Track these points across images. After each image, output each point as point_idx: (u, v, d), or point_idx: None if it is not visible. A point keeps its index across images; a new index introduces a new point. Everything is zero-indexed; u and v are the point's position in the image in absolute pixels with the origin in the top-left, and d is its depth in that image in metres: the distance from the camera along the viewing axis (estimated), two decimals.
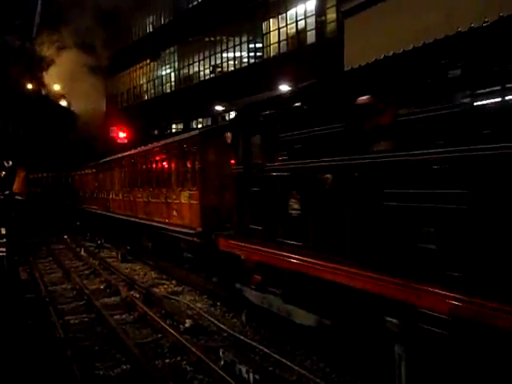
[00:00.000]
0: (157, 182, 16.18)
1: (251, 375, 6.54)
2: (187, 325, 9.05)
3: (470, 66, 4.70)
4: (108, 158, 23.30)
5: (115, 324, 9.39)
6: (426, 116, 5.09)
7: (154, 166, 16.70)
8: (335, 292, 6.39)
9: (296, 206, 7.27)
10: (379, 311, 5.57)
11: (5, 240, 13.34)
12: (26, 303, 11.06)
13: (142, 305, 10.61)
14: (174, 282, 13.52)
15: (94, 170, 26.15)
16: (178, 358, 7.77)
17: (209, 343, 8.38)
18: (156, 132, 41.26)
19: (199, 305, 11.00)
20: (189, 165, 13.51)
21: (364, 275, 5.71)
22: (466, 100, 4.65)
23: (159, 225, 15.46)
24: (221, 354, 7.31)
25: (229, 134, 10.06)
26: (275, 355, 7.64)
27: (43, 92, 41.65)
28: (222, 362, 7.14)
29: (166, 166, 15.48)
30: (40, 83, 40.63)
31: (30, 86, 41.46)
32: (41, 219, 29.95)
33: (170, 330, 8.80)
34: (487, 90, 4.52)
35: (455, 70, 4.77)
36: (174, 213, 14.30)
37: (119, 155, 21.36)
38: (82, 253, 19.02)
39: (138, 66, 41.30)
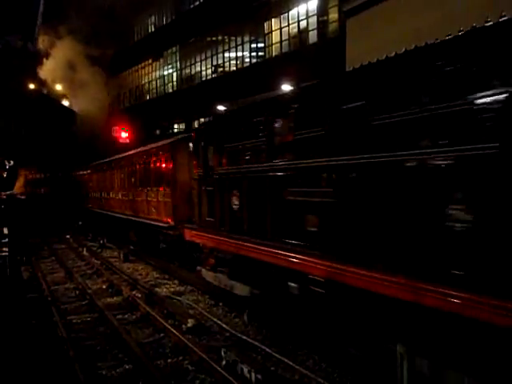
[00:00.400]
0: (140, 182, 18.11)
1: (253, 375, 6.55)
2: (189, 324, 9.06)
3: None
4: (101, 161, 24.68)
5: (117, 324, 9.40)
6: (306, 137, 7.25)
7: (137, 168, 18.56)
8: (261, 268, 8.45)
9: (236, 202, 9.35)
10: (286, 280, 7.67)
11: (7, 240, 13.39)
12: (28, 303, 11.10)
13: (144, 305, 10.63)
14: (176, 281, 13.53)
15: (89, 171, 27.40)
16: (180, 358, 7.79)
17: (211, 343, 8.39)
18: (158, 132, 41.31)
19: (201, 305, 11.01)
20: (163, 169, 15.43)
21: (277, 253, 7.73)
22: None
23: (142, 220, 17.33)
24: (223, 353, 7.33)
25: (191, 144, 12.14)
26: (277, 355, 7.66)
27: (45, 92, 41.71)
28: (224, 362, 7.15)
29: (147, 169, 17.38)
30: (42, 83, 40.68)
31: (32, 86, 41.50)
32: (43, 219, 30.02)
33: (172, 329, 8.82)
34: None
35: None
36: (153, 209, 16.29)
37: (109, 158, 22.97)
38: (85, 252, 19.06)
39: (140, 66, 41.32)
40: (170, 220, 14.47)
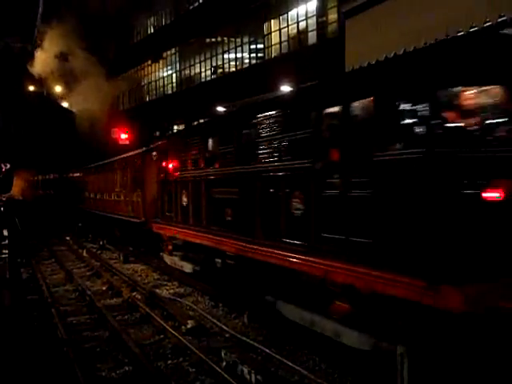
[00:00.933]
0: (120, 185, 20.69)
1: (253, 376, 6.55)
2: (189, 326, 9.06)
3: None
4: (92, 165, 26.64)
5: (117, 325, 9.40)
6: (224, 152, 10.11)
7: (118, 173, 21.14)
8: (200, 250, 11.29)
9: (185, 200, 12.05)
10: (214, 257, 10.45)
11: (7, 242, 13.39)
12: (28, 304, 11.10)
13: (144, 306, 10.63)
14: (175, 283, 13.53)
15: (83, 174, 28.96)
16: (180, 359, 7.78)
17: (211, 344, 8.39)
18: (158, 133, 41.31)
19: (201, 306, 11.01)
20: (136, 174, 18.25)
21: (208, 237, 10.50)
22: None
23: (123, 218, 19.71)
24: (223, 354, 7.33)
25: (154, 153, 15.52)
26: (277, 356, 7.66)
27: (44, 93, 41.71)
28: (224, 363, 7.15)
29: (125, 174, 20.00)
30: (41, 85, 40.69)
31: (31, 88, 41.52)
32: (43, 221, 30.03)
33: (172, 331, 8.82)
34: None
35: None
36: (130, 208, 18.91)
37: (99, 163, 25.21)
38: (84, 254, 19.06)
39: (139, 68, 41.35)
40: (142, 217, 17.29)
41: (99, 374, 7.34)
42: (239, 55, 29.08)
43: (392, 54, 8.24)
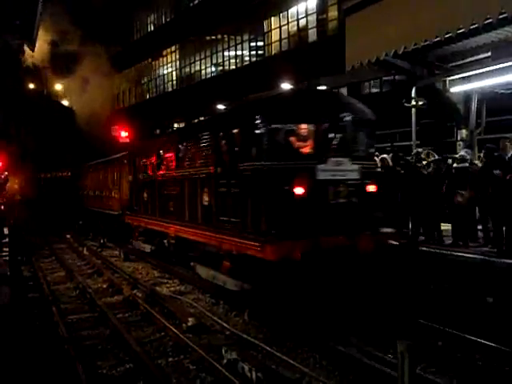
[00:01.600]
0: (104, 184, 23.74)
1: (254, 373, 6.55)
2: (190, 323, 9.06)
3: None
4: (87, 163, 28.75)
5: (118, 323, 9.40)
6: (169, 158, 13.69)
7: (103, 173, 24.21)
8: (155, 234, 14.76)
9: (146, 196, 15.73)
10: (164, 239, 14.04)
11: (8, 240, 13.39)
12: (29, 302, 11.10)
13: (144, 304, 10.62)
14: (176, 280, 13.53)
15: (81, 172, 30.48)
16: (181, 357, 7.79)
17: (211, 342, 8.39)
18: (158, 131, 41.27)
19: (202, 303, 11.01)
20: (115, 174, 21.66)
21: (160, 224, 14.14)
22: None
23: (106, 212, 22.78)
24: (223, 352, 7.33)
25: (125, 159, 19.46)
26: (278, 353, 7.66)
27: (45, 91, 41.67)
28: (225, 361, 7.15)
29: (107, 174, 23.22)
30: (42, 83, 40.64)
31: (31, 86, 41.47)
32: (43, 219, 30.02)
33: (173, 328, 8.82)
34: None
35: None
36: (111, 203, 22.17)
37: (91, 162, 27.77)
38: (85, 252, 19.06)
39: (139, 65, 41.31)
40: (119, 210, 20.30)
41: (100, 371, 7.35)
42: (239, 53, 29.07)
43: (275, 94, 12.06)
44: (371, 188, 9.55)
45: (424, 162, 11.65)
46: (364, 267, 8.65)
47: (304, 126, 9.40)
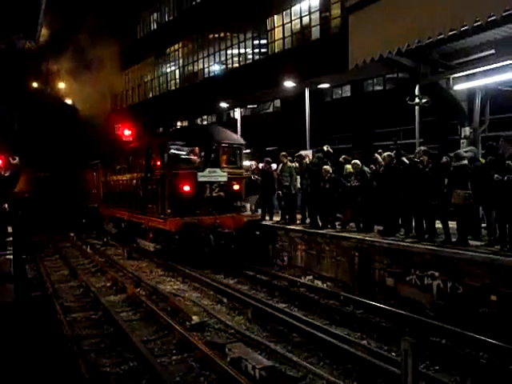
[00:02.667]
0: (90, 183, 27.64)
1: (257, 371, 6.55)
2: (193, 321, 9.07)
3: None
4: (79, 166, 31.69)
5: (122, 321, 9.42)
6: (124, 167, 20.11)
7: (89, 174, 27.98)
8: (118, 220, 20.31)
9: (111, 192, 21.64)
10: (122, 223, 19.89)
11: (11, 238, 13.39)
12: (32, 301, 11.13)
13: (148, 302, 10.64)
14: (180, 279, 13.56)
15: (79, 171, 32.03)
16: (185, 355, 7.79)
17: (215, 340, 8.40)
18: (161, 129, 41.27)
19: (205, 302, 11.04)
20: (95, 176, 25.95)
21: (120, 212, 19.79)
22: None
23: (90, 205, 26.85)
24: (227, 350, 7.33)
25: (100, 165, 24.46)
26: (281, 351, 7.67)
27: (48, 90, 41.70)
28: (229, 359, 7.16)
29: (92, 175, 27.05)
30: (45, 81, 40.69)
31: (35, 85, 41.54)
32: (48, 217, 30.07)
33: (177, 326, 8.82)
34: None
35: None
36: (93, 198, 26.35)
37: (84, 164, 30.52)
38: (88, 250, 19.10)
39: (142, 64, 41.32)
40: (97, 204, 24.91)
41: (104, 369, 7.36)
42: (242, 51, 29.02)
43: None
44: (235, 187, 15.63)
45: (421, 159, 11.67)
46: (227, 234, 14.46)
47: (191, 148, 15.46)
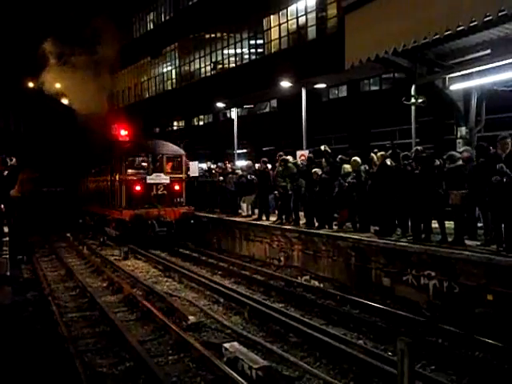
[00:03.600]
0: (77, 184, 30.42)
1: (254, 371, 6.55)
2: (190, 322, 9.07)
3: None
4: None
5: (118, 321, 9.41)
6: (100, 170, 24.13)
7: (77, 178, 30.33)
8: (96, 215, 23.74)
9: (90, 192, 25.63)
10: (95, 216, 23.74)
11: (8, 239, 13.36)
12: (28, 301, 11.10)
13: (144, 302, 10.63)
14: (176, 279, 13.55)
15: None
16: (182, 355, 7.79)
17: (212, 340, 8.40)
18: (157, 130, 41.22)
19: (202, 302, 11.03)
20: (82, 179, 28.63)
21: (94, 208, 23.89)
22: None
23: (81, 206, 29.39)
24: (224, 350, 7.33)
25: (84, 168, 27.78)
26: (278, 351, 7.67)
27: (44, 90, 41.55)
28: (225, 359, 7.15)
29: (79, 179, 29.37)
30: (42, 81, 40.56)
31: (31, 85, 41.43)
32: (43, 218, 29.99)
33: (173, 326, 8.81)
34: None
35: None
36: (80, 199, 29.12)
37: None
38: (85, 251, 19.06)
39: (138, 64, 41.27)
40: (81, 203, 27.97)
41: (100, 370, 7.35)
42: (239, 51, 29.03)
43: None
44: (176, 187, 20.14)
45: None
46: (168, 222, 18.83)
47: (142, 158, 20.26)
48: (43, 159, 34.32)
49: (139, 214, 18.47)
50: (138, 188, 19.44)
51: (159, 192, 19.59)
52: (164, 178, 19.84)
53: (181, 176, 20.59)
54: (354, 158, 12.80)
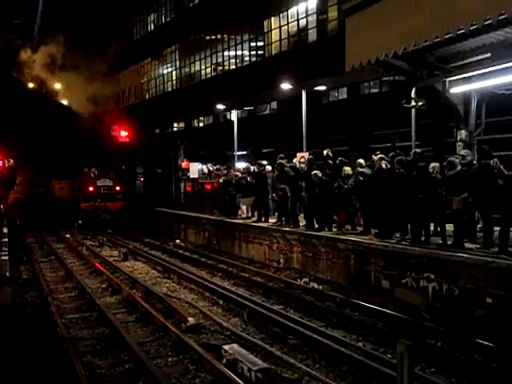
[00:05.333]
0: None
1: (253, 373, 6.56)
2: (189, 323, 9.07)
3: None
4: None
5: (117, 323, 9.41)
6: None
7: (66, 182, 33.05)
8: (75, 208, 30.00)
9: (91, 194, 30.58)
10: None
11: (7, 239, 13.38)
12: (28, 302, 11.11)
13: (143, 303, 10.63)
14: (176, 280, 13.55)
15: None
16: (181, 357, 7.79)
17: (211, 341, 8.41)
18: (158, 131, 41.21)
19: (201, 303, 11.03)
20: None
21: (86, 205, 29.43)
22: None
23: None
24: (223, 352, 7.33)
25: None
26: (277, 353, 7.67)
27: (44, 90, 41.53)
28: (225, 361, 7.15)
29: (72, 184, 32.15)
30: (41, 82, 40.54)
31: (30, 85, 41.39)
32: (42, 218, 30.00)
33: (172, 328, 8.82)
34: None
35: None
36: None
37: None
38: (84, 251, 19.06)
39: (139, 65, 41.26)
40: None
41: (99, 371, 7.35)
42: (239, 53, 29.02)
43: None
44: (117, 188, 28.89)
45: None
46: (111, 212, 27.82)
47: (93, 169, 28.90)
48: (36, 161, 34.58)
49: (92, 205, 27.87)
50: (91, 189, 28.59)
51: (105, 192, 28.72)
52: (109, 182, 29.00)
53: (121, 181, 29.96)
54: (358, 160, 12.83)
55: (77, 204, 28.39)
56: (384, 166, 11.62)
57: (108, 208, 27.93)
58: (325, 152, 14.26)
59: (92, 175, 29.24)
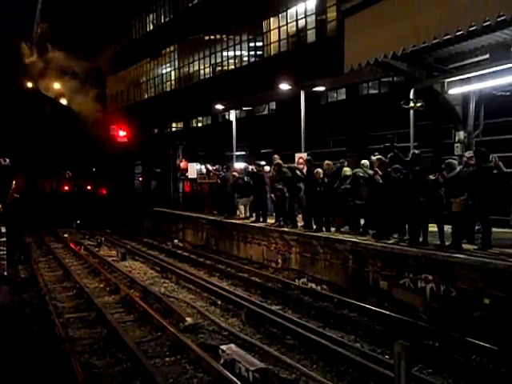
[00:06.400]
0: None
1: (251, 374, 6.56)
2: (187, 323, 9.07)
3: None
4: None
5: (115, 322, 9.40)
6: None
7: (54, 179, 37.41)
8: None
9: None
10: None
11: (5, 239, 13.36)
12: (26, 302, 11.09)
13: (141, 303, 10.62)
14: (174, 280, 13.55)
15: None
16: (178, 357, 7.79)
17: (209, 341, 8.40)
18: (156, 131, 41.20)
19: (199, 303, 11.03)
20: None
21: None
22: None
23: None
24: (220, 352, 7.33)
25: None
26: (275, 353, 7.67)
27: (43, 90, 41.52)
28: (222, 361, 7.15)
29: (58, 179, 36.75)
30: (40, 82, 40.53)
31: (29, 85, 41.39)
32: (41, 218, 29.99)
33: (170, 328, 8.82)
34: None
35: None
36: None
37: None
38: (82, 251, 19.04)
39: (138, 65, 41.23)
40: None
41: (97, 370, 7.34)
42: (238, 53, 29.01)
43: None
44: (88, 187, 35.47)
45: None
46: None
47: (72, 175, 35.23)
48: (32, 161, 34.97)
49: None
50: (66, 188, 34.98)
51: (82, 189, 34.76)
52: (85, 184, 35.08)
53: (90, 182, 35.71)
54: (362, 161, 12.82)
55: (56, 196, 34.29)
56: (379, 178, 11.61)
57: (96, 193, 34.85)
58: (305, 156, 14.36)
59: (67, 176, 35.53)
